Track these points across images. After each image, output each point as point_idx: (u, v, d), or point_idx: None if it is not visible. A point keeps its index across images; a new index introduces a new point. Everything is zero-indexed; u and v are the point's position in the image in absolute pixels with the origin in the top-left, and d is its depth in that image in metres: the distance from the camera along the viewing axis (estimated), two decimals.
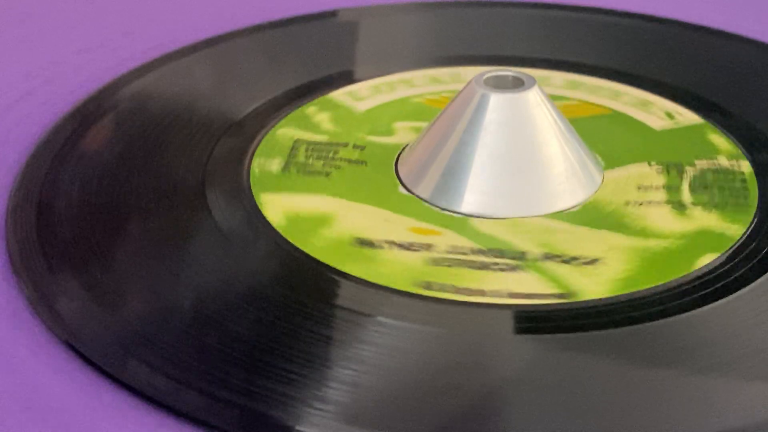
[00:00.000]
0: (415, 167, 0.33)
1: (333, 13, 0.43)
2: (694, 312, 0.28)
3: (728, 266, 0.29)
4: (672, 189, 0.32)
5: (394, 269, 0.29)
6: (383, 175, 0.33)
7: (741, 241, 0.30)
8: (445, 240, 0.30)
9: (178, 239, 0.31)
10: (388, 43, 0.41)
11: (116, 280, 0.29)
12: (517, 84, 0.33)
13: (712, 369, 0.27)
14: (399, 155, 0.34)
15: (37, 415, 0.26)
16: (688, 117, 0.36)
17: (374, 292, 0.28)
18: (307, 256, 0.30)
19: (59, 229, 0.31)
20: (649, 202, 0.32)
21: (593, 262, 0.29)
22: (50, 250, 0.30)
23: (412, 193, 0.32)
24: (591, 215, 0.31)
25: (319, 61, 0.39)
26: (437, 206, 0.32)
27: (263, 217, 0.31)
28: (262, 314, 0.28)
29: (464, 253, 0.30)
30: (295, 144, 0.35)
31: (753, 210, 0.31)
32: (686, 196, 0.32)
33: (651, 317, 0.28)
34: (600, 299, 0.28)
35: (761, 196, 0.32)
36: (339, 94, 0.37)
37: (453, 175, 0.32)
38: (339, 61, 0.39)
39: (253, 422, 0.25)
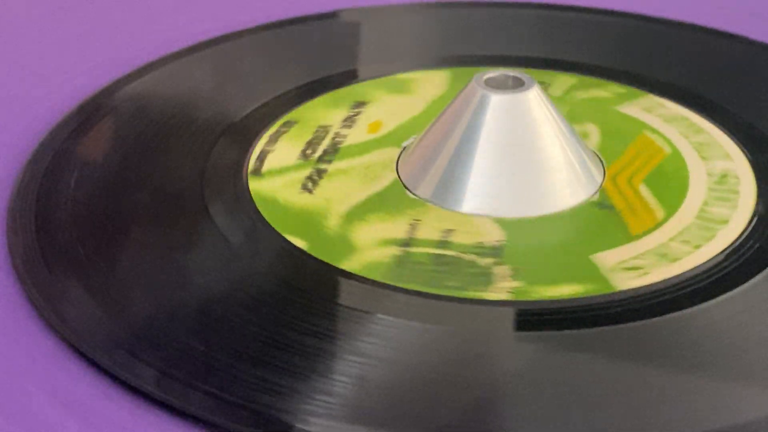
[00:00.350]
0: (416, 168, 0.33)
1: (333, 14, 0.43)
2: (687, 311, 0.28)
3: (725, 265, 0.30)
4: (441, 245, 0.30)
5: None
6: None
7: (739, 241, 0.30)
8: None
9: (178, 239, 0.31)
10: (388, 44, 0.41)
11: (119, 281, 0.29)
12: (517, 84, 0.33)
13: (706, 368, 0.27)
14: (400, 155, 0.34)
15: (42, 418, 0.26)
16: (691, 259, 0.30)
17: (376, 290, 0.28)
18: (310, 255, 0.30)
19: (61, 230, 0.31)
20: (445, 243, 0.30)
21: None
22: (52, 250, 0.30)
23: (414, 194, 0.32)
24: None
25: (320, 61, 0.39)
26: (438, 206, 0.32)
27: (263, 217, 0.31)
28: (266, 313, 0.28)
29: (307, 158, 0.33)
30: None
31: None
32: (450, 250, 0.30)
33: (648, 315, 0.28)
34: (569, 299, 0.28)
35: (760, 196, 0.32)
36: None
37: (453, 175, 0.32)
38: (339, 61, 0.39)
39: (259, 422, 0.25)
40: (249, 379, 0.26)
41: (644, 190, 0.33)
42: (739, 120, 0.36)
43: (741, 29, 0.42)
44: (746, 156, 0.34)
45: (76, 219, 0.31)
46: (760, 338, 0.27)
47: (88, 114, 0.36)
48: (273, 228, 0.31)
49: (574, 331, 0.27)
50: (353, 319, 0.28)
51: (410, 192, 0.32)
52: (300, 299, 0.28)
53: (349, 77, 0.38)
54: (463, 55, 0.40)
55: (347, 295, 0.29)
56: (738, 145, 0.34)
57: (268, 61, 0.40)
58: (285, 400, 0.25)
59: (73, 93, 0.38)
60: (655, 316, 0.28)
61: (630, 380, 0.26)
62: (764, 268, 0.29)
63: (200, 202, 0.32)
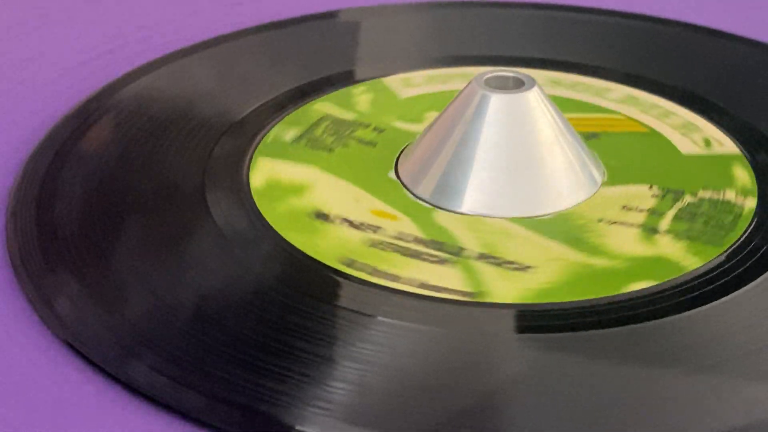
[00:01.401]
0: (416, 167, 0.33)
1: (333, 14, 0.43)
2: (691, 312, 0.28)
3: (727, 266, 0.30)
4: (655, 214, 0.31)
5: (329, 243, 0.30)
6: (383, 158, 0.34)
7: (740, 242, 0.30)
8: (397, 226, 0.31)
9: (178, 239, 0.31)
10: (388, 44, 0.41)
11: (117, 280, 0.29)
12: (517, 84, 0.33)
13: (710, 369, 0.27)
14: (400, 155, 0.34)
15: (37, 416, 0.26)
16: (725, 147, 0.34)
17: (376, 292, 0.28)
18: (308, 256, 0.30)
19: (59, 229, 0.31)
20: (622, 223, 0.31)
21: (525, 268, 0.29)
22: (50, 250, 0.30)
23: (412, 192, 0.32)
24: (558, 225, 0.31)
25: (319, 61, 0.39)
26: (437, 206, 0.32)
27: (263, 217, 0.31)
28: (263, 314, 0.28)
29: (405, 240, 0.30)
30: (321, 119, 0.36)
31: (721, 249, 0.30)
32: (665, 222, 0.31)
33: (649, 317, 0.28)
34: (572, 302, 0.28)
35: (761, 197, 0.32)
36: (392, 80, 0.38)
37: (453, 175, 0.32)
38: (339, 61, 0.39)
39: (254, 422, 0.25)
40: (245, 377, 0.26)
41: None
42: (739, 120, 0.36)
43: (741, 29, 0.42)
44: (746, 156, 0.34)
45: (76, 218, 0.31)
46: (763, 339, 0.27)
47: (89, 113, 0.36)
48: (272, 228, 0.31)
49: (575, 334, 0.27)
50: (351, 319, 0.28)
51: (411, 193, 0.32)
52: (298, 299, 0.28)
53: (348, 78, 0.38)
54: (463, 55, 0.40)
55: (345, 295, 0.29)
56: (738, 146, 0.35)
57: (268, 61, 0.40)
58: (281, 399, 0.25)
59: (73, 93, 0.38)
60: (658, 318, 0.28)
61: (632, 383, 0.26)
62: (765, 271, 0.29)
63: (201, 202, 0.32)
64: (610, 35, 0.42)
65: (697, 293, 0.29)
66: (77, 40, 0.42)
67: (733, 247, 0.30)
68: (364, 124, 0.36)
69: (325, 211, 0.31)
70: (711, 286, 0.29)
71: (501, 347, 0.27)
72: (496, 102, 0.32)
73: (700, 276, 0.29)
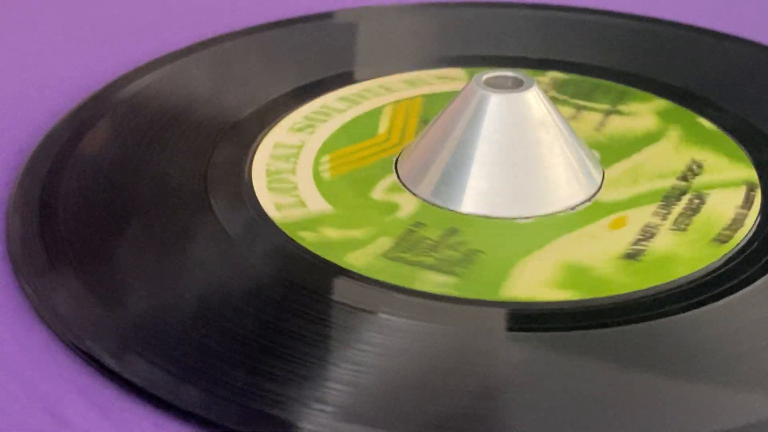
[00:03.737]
0: (415, 167, 0.33)
1: (332, 14, 0.43)
2: (691, 313, 0.28)
3: (728, 267, 0.30)
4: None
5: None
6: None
7: (742, 243, 0.30)
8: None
9: (178, 237, 0.31)
10: (387, 44, 0.41)
11: (117, 278, 0.29)
12: (517, 84, 0.33)
13: (710, 370, 0.27)
14: (399, 155, 0.34)
15: (37, 414, 0.26)
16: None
17: (374, 290, 0.28)
18: (308, 253, 0.30)
19: (60, 228, 0.31)
20: None
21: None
22: (51, 249, 0.30)
23: (413, 193, 0.32)
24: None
25: (319, 62, 0.39)
26: (438, 206, 0.32)
27: (264, 215, 0.31)
28: (263, 311, 0.28)
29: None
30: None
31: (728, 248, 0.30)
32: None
33: (648, 318, 0.28)
34: (568, 301, 0.28)
35: (762, 197, 0.32)
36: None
37: (453, 175, 0.32)
38: (339, 61, 0.39)
39: (253, 419, 0.25)
40: (246, 376, 0.26)
41: None
42: (739, 120, 0.36)
43: (740, 30, 0.42)
44: (747, 156, 0.34)
45: (76, 216, 0.31)
46: (756, 343, 0.27)
47: (89, 113, 0.36)
48: (275, 224, 0.31)
49: (571, 333, 0.27)
50: (351, 317, 0.28)
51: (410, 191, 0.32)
52: (299, 296, 0.28)
53: (348, 78, 0.38)
54: (463, 55, 0.40)
55: (346, 292, 0.29)
56: (738, 145, 0.35)
57: (268, 62, 0.40)
58: (279, 396, 0.25)
59: (73, 93, 0.38)
60: (652, 319, 0.28)
61: (627, 383, 0.26)
62: (765, 273, 0.29)
63: (202, 200, 0.32)
64: (610, 35, 0.42)
65: (697, 294, 0.29)
66: (77, 39, 0.42)
67: (735, 249, 0.30)
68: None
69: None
70: (711, 288, 0.29)
71: (497, 346, 0.27)
72: (496, 102, 0.32)
73: (701, 277, 0.29)
